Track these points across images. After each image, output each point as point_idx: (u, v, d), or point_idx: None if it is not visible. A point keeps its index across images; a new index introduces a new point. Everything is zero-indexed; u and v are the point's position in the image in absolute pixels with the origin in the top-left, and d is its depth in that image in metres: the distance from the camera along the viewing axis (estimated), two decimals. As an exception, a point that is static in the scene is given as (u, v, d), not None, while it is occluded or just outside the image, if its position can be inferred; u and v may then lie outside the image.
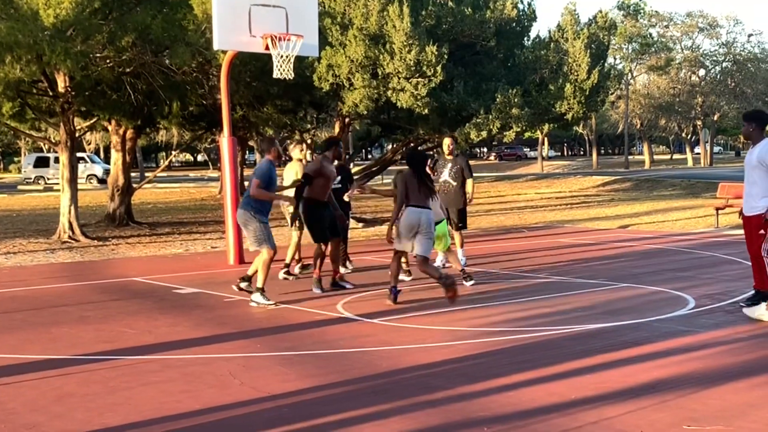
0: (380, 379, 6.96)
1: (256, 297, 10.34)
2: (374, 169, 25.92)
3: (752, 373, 6.84)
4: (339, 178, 12.75)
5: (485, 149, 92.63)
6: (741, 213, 9.75)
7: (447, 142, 13.70)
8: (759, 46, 70.64)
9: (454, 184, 13.37)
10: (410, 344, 8.18)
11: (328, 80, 19.48)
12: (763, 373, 6.86)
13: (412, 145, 23.67)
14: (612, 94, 36.48)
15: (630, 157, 73.93)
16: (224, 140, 14.29)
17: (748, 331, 8.46)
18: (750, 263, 9.71)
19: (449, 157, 13.53)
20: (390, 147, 28.94)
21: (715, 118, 69.90)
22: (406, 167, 10.60)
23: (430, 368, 7.26)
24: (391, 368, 7.27)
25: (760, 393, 6.32)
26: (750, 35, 71.10)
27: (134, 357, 7.90)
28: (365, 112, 20.64)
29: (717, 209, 20.76)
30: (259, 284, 10.32)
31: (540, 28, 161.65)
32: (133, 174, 27.13)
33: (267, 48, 13.40)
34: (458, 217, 13.29)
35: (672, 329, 8.65)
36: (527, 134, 20.01)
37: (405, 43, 18.86)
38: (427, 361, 7.50)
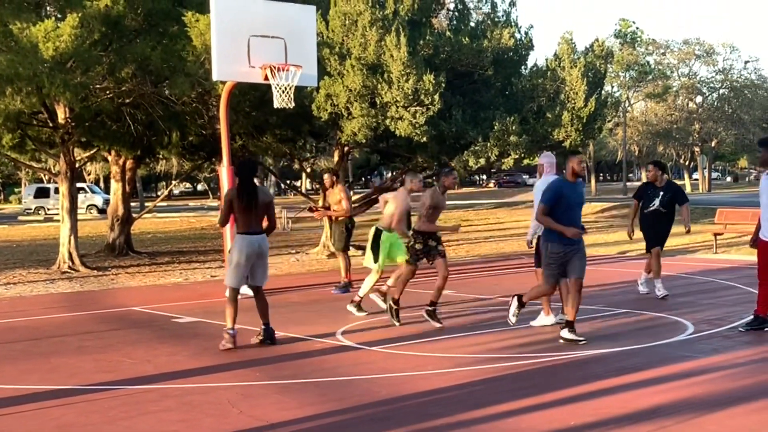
0: (380, 406, 6.97)
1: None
2: (374, 197, 25.93)
3: (750, 399, 6.86)
4: None
5: (485, 176, 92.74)
6: (753, 241, 9.98)
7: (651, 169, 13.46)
8: (756, 73, 70.90)
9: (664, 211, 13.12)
10: (410, 371, 8.19)
11: (326, 109, 19.56)
12: (761, 398, 6.88)
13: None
14: (609, 121, 36.59)
15: (629, 183, 73.97)
16: (223, 170, 14.34)
17: (747, 357, 8.48)
18: (757, 290, 9.84)
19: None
20: (389, 175, 28.98)
21: (713, 144, 70.08)
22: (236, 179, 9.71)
23: (429, 395, 7.27)
24: (391, 396, 7.28)
25: (758, 418, 6.34)
26: (747, 62, 71.12)
27: (133, 387, 7.90)
28: (364, 141, 20.71)
29: (715, 235, 20.77)
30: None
31: (537, 57, 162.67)
32: (132, 204, 27.18)
33: (266, 78, 13.46)
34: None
35: (671, 355, 8.66)
36: (526, 161, 20.01)
37: (402, 73, 18.96)
38: (427, 388, 7.51)
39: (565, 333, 9.46)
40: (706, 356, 8.55)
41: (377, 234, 11.70)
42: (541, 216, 9.43)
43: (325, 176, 14.53)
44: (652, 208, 12.99)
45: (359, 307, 11.90)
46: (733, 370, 7.93)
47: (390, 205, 11.45)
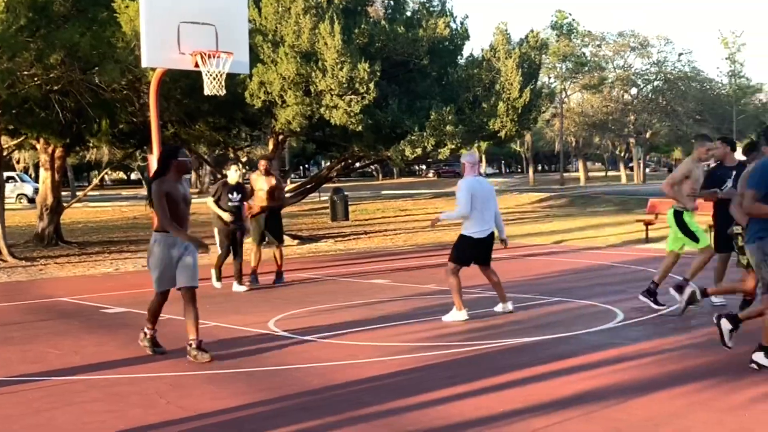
0: (311, 396, 6.92)
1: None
2: (309, 186, 25.84)
3: (676, 384, 6.95)
4: (239, 196, 13.53)
5: (424, 166, 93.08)
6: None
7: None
8: (689, 65, 72.06)
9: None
10: (342, 360, 8.14)
11: (260, 97, 19.39)
12: (685, 383, 6.97)
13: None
14: (545, 112, 36.91)
15: (566, 174, 74.80)
16: (153, 158, 14.14)
17: (673, 343, 8.59)
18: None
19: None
20: (326, 164, 28.89)
21: (648, 135, 71.13)
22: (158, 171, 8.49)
23: (361, 384, 7.25)
24: (322, 385, 7.24)
25: (683, 402, 6.42)
26: (680, 54, 72.17)
27: (59, 378, 7.74)
28: (299, 129, 20.59)
29: (646, 224, 21.07)
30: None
31: (473, 47, 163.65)
32: (64, 193, 26.69)
33: (196, 65, 13.29)
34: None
35: (600, 342, 8.75)
36: (463, 151, 20.05)
37: (337, 61, 18.87)
38: (359, 377, 7.48)
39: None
40: (634, 343, 8.64)
41: (678, 216, 10.67)
42: (752, 204, 7.39)
43: (261, 162, 14.35)
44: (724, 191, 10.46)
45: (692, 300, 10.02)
46: (659, 356, 8.03)
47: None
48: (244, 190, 13.79)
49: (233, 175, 13.67)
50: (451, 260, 10.50)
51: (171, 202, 8.28)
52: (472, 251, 10.42)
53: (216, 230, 13.73)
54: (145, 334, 8.74)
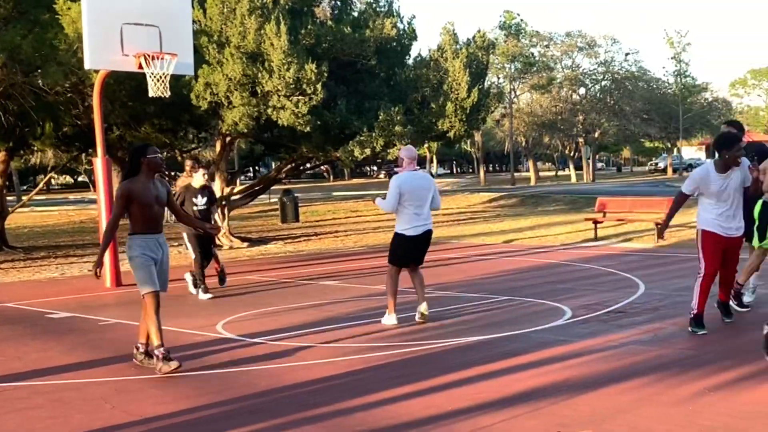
0: (259, 398, 6.87)
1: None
2: (258, 188, 25.69)
3: (621, 380, 7.00)
4: (205, 199, 12.90)
5: (375, 167, 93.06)
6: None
7: None
8: (636, 65, 72.83)
9: None
10: (291, 362, 8.10)
11: (206, 98, 19.22)
12: (631, 379, 7.03)
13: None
14: (494, 112, 37.08)
15: (516, 173, 75.24)
16: (98, 161, 13.96)
17: (619, 340, 8.66)
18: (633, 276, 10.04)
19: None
20: (275, 165, 28.76)
21: (596, 135, 71.81)
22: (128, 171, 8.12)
23: (310, 385, 7.22)
24: (271, 387, 7.19)
25: (628, 398, 6.47)
26: (627, 54, 73.02)
27: (1, 384, 7.59)
28: (246, 131, 20.44)
29: (595, 223, 21.26)
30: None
31: (422, 48, 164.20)
32: (9, 198, 26.24)
33: (140, 67, 13.15)
34: None
35: (548, 339, 8.79)
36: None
37: (284, 61, 18.78)
38: (308, 378, 7.45)
39: None
40: (581, 340, 8.69)
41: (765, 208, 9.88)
42: None
43: (188, 162, 13.88)
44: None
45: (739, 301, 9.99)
46: (606, 353, 8.08)
47: None
48: (211, 193, 13.18)
49: (199, 178, 12.93)
50: (389, 261, 10.31)
51: (142, 205, 7.87)
52: (405, 250, 10.07)
53: (185, 236, 13.12)
54: (138, 348, 8.23)
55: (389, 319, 10.00)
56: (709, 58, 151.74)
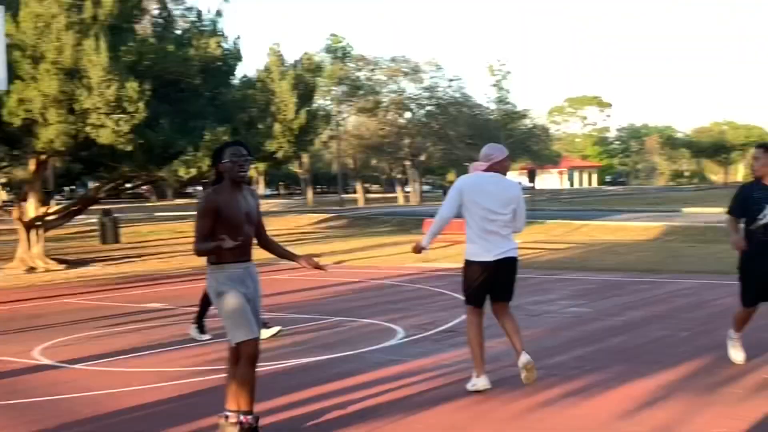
0: (80, 426, 6.50)
1: None
2: (75, 208, 24.58)
3: (456, 397, 6.96)
4: None
5: (200, 187, 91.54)
6: None
7: None
8: (459, 91, 74.61)
9: None
10: (116, 388, 7.69)
11: (19, 115, 18.25)
12: (465, 396, 7.01)
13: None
14: (322, 134, 37.05)
15: (345, 195, 75.62)
16: None
17: (452, 358, 8.64)
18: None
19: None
20: (94, 185, 27.68)
21: (423, 158, 73.07)
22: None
23: (135, 412, 6.90)
24: (93, 414, 6.81)
25: (464, 415, 6.47)
26: (450, 80, 74.75)
27: None
28: (63, 149, 19.51)
29: (423, 243, 21.34)
30: None
31: (249, 69, 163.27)
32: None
33: (-54, 80, 12.26)
34: None
35: (382, 359, 8.67)
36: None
37: (103, 78, 18.03)
38: (133, 404, 7.11)
39: None
40: (415, 359, 8.61)
41: None
42: None
43: None
44: (763, 221, 7.53)
45: None
46: (440, 371, 8.03)
47: None
48: None
49: None
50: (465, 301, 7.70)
51: (227, 220, 6.00)
52: (479, 282, 7.58)
53: None
54: (227, 417, 6.00)
55: (479, 382, 7.14)
56: (529, 85, 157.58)
